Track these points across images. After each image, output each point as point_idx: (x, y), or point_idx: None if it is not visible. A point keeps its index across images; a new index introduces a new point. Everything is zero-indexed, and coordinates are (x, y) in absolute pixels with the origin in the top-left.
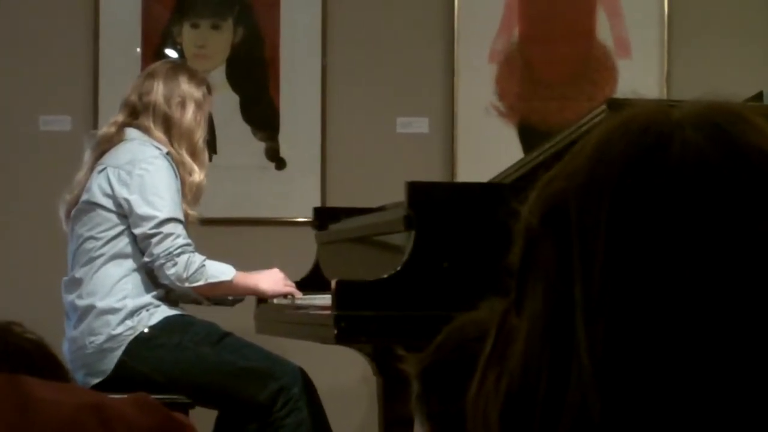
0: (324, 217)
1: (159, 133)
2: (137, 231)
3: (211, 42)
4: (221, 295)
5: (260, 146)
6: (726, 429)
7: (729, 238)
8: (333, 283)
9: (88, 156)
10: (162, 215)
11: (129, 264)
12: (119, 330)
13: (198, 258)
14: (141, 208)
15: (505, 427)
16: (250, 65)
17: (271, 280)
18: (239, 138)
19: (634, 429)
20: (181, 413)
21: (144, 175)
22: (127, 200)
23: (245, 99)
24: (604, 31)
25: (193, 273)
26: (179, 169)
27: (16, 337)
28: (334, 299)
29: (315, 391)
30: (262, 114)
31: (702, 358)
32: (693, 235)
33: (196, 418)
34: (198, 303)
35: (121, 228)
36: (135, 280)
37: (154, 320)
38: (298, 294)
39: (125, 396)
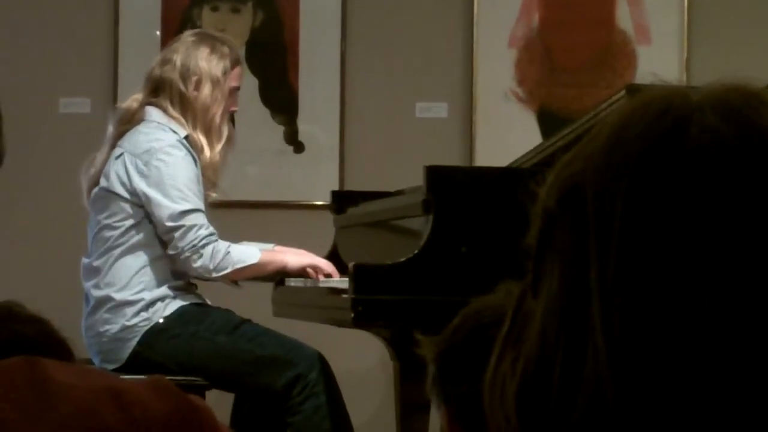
0: (342, 200)
1: (176, 113)
2: (159, 225)
3: (231, 25)
4: (250, 278)
5: (279, 130)
6: (740, 411)
7: (746, 221)
8: (350, 267)
9: (109, 132)
10: (182, 207)
11: (146, 255)
12: (134, 321)
13: (222, 246)
14: (161, 202)
15: (522, 409)
16: (269, 49)
17: (298, 257)
18: (258, 121)
19: (648, 411)
20: (198, 396)
21: (161, 167)
22: (145, 193)
23: (264, 82)
24: (624, 18)
25: (220, 262)
26: (196, 150)
27: (21, 319)
28: (351, 283)
29: (332, 375)
30: (281, 97)
31: (718, 342)
32: (710, 219)
33: (213, 400)
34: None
35: (138, 218)
36: (152, 272)
37: (169, 311)
38: (325, 269)
39: (142, 379)
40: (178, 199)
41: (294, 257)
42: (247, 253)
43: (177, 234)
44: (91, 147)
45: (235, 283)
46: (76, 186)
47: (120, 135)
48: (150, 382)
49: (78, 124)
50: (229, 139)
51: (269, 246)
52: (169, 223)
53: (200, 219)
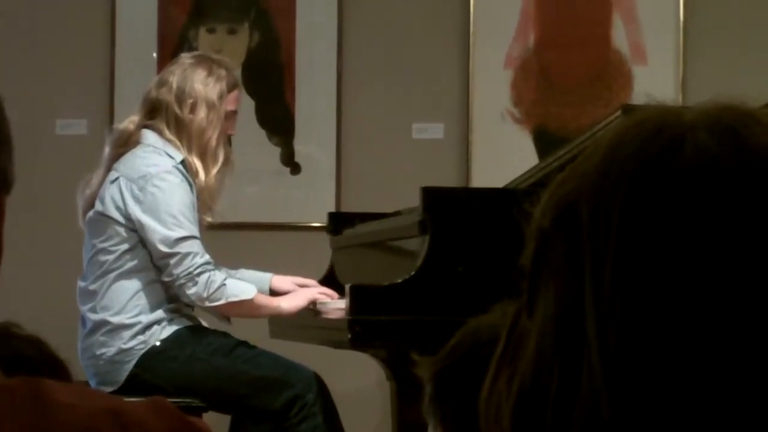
0: (339, 221)
1: (171, 136)
2: (154, 251)
3: (228, 46)
4: (243, 315)
5: (275, 151)
6: (735, 425)
7: (740, 240)
8: (347, 288)
9: (106, 153)
10: (177, 234)
11: (142, 278)
12: (131, 344)
13: (219, 277)
14: (155, 228)
15: (517, 428)
16: (266, 70)
17: (292, 301)
18: (254, 142)
19: (644, 428)
20: (198, 418)
21: (156, 193)
22: (139, 220)
23: (261, 103)
24: (619, 38)
25: (214, 292)
26: (191, 174)
27: (17, 339)
28: (348, 304)
29: (329, 396)
30: (277, 118)
31: (713, 360)
32: (704, 238)
33: (211, 423)
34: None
35: (132, 242)
36: (148, 295)
37: (165, 333)
38: (322, 298)
39: (142, 399)
40: (173, 226)
41: (288, 302)
42: (242, 289)
43: (172, 261)
44: (88, 168)
45: (227, 319)
46: (73, 207)
47: (116, 157)
48: (150, 403)
49: (75, 145)
50: (227, 163)
51: (267, 276)
52: (165, 249)
53: (195, 246)
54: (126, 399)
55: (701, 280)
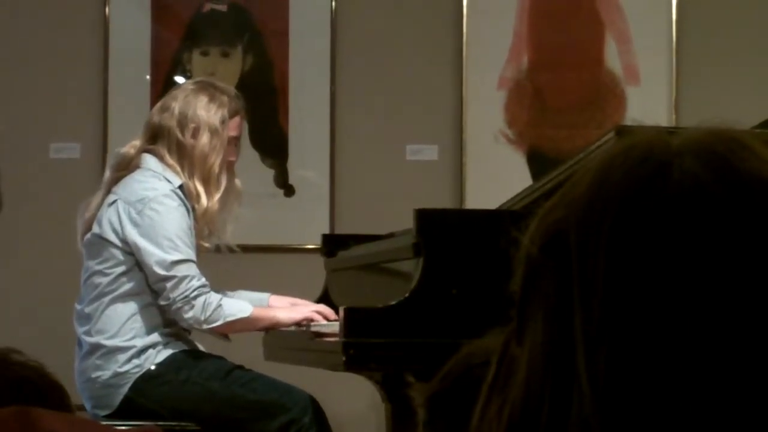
0: (333, 244)
1: (172, 161)
2: (150, 274)
3: (221, 69)
4: (240, 331)
5: (269, 173)
6: None
7: (728, 266)
8: (341, 310)
9: (106, 176)
10: (173, 257)
11: (138, 302)
12: (126, 368)
13: (215, 298)
14: (151, 252)
15: None
16: (259, 92)
17: (290, 312)
18: (248, 165)
19: None
20: None
21: (154, 217)
22: (135, 243)
23: (254, 126)
24: (613, 59)
25: (211, 314)
26: (191, 199)
27: (18, 365)
28: (342, 326)
29: (325, 419)
30: (271, 141)
31: (703, 388)
32: (692, 264)
33: None
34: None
35: (128, 265)
36: (144, 319)
37: (161, 357)
38: (319, 319)
39: (133, 428)
40: (169, 249)
41: (285, 314)
42: (239, 307)
43: (169, 284)
44: (81, 192)
45: (226, 336)
46: (67, 230)
47: (116, 181)
48: None
49: (68, 169)
50: (233, 190)
51: (265, 296)
52: (161, 273)
53: (192, 270)
54: (119, 427)
55: (690, 307)
